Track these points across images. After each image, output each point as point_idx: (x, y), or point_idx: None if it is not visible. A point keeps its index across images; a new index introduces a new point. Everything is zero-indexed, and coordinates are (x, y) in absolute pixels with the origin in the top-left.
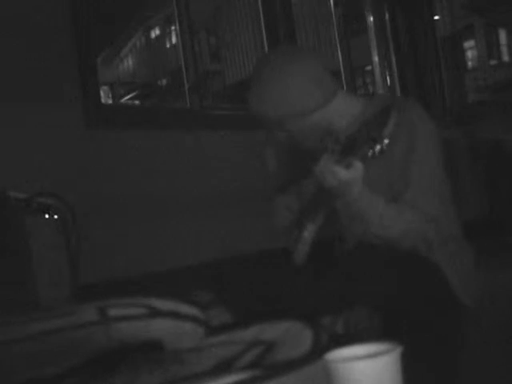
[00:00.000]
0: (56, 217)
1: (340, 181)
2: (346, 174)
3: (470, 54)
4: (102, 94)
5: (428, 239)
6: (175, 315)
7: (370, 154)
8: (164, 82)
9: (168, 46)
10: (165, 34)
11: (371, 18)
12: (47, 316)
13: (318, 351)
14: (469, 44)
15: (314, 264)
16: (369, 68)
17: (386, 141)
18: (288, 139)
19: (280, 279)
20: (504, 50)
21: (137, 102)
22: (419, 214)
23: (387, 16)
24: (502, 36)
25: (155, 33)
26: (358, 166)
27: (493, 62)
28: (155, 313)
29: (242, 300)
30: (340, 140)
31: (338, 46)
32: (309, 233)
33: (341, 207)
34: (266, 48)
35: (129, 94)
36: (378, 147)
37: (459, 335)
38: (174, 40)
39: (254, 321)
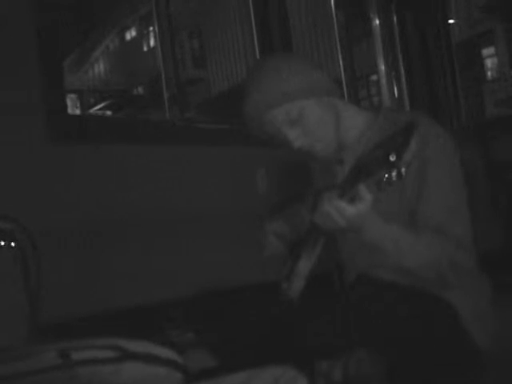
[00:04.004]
0: (13, 244)
1: (346, 218)
2: (353, 210)
3: (489, 62)
4: (68, 103)
5: (459, 267)
6: (148, 358)
7: (385, 179)
8: (140, 90)
9: (145, 49)
10: (142, 36)
11: (377, 22)
12: (0, 359)
13: None
14: (488, 51)
15: (310, 300)
16: (374, 78)
17: (405, 165)
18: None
19: (271, 317)
20: None
21: (109, 113)
22: (446, 239)
23: (395, 19)
24: None
25: (131, 34)
26: (367, 197)
27: None
28: (125, 356)
29: (226, 341)
30: (345, 159)
31: (340, 52)
32: (304, 264)
33: (342, 238)
34: (258, 53)
35: (100, 103)
36: (395, 172)
37: (474, 382)
38: (152, 42)
39: (240, 366)
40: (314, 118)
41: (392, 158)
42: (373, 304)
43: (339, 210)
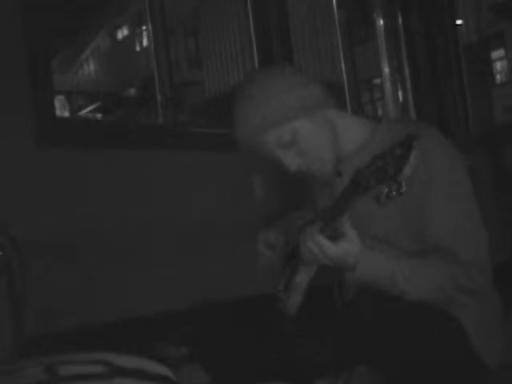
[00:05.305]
0: None
1: (328, 257)
2: (335, 248)
3: (498, 65)
4: (56, 105)
5: (466, 288)
6: (139, 374)
7: (385, 193)
8: (132, 92)
9: (138, 49)
10: (134, 35)
11: (381, 23)
12: None
13: None
14: (498, 54)
15: (308, 316)
16: (377, 81)
17: (405, 180)
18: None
19: (268, 333)
20: None
21: (99, 116)
22: (453, 261)
23: (400, 20)
24: None
25: (123, 33)
26: (350, 234)
27: None
28: (115, 371)
29: (221, 356)
30: (343, 171)
31: (342, 54)
32: (302, 278)
33: None
34: (256, 54)
35: (89, 105)
36: (395, 186)
37: None
38: (145, 42)
39: (236, 382)
40: (308, 137)
41: (391, 172)
42: (375, 319)
43: (320, 247)
